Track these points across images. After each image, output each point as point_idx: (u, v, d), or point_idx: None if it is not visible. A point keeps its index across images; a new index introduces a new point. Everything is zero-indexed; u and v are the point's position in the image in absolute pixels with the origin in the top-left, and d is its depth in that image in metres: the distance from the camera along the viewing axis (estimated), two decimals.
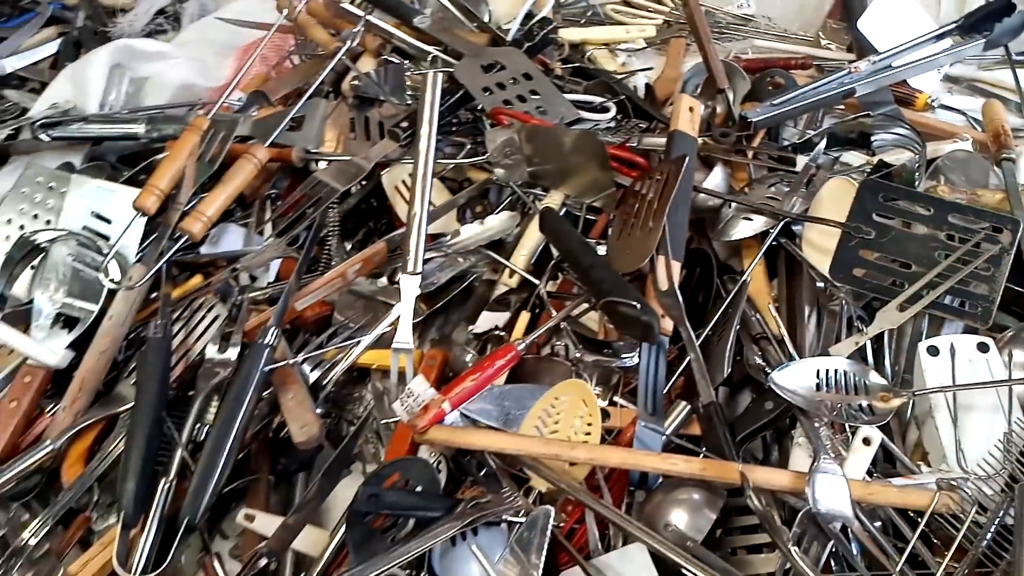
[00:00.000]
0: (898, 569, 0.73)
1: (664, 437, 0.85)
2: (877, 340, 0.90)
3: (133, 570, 0.82)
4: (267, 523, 0.87)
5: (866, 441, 0.79)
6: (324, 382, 1.00)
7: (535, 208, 1.08)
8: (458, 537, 0.82)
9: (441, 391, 0.86)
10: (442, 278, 1.07)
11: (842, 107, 1.19)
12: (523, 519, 0.80)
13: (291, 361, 0.96)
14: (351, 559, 0.80)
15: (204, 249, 1.10)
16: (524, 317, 0.98)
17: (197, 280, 1.07)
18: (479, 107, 1.17)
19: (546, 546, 0.78)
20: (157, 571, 0.82)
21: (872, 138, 1.13)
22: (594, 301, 0.91)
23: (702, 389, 0.87)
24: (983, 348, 0.85)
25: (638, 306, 0.84)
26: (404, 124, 1.14)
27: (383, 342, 1.00)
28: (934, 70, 1.22)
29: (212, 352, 0.99)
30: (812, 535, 0.74)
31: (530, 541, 0.79)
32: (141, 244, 1.06)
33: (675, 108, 1.03)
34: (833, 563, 0.77)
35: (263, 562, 0.81)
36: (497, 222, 1.09)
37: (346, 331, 1.05)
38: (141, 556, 0.83)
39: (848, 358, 0.85)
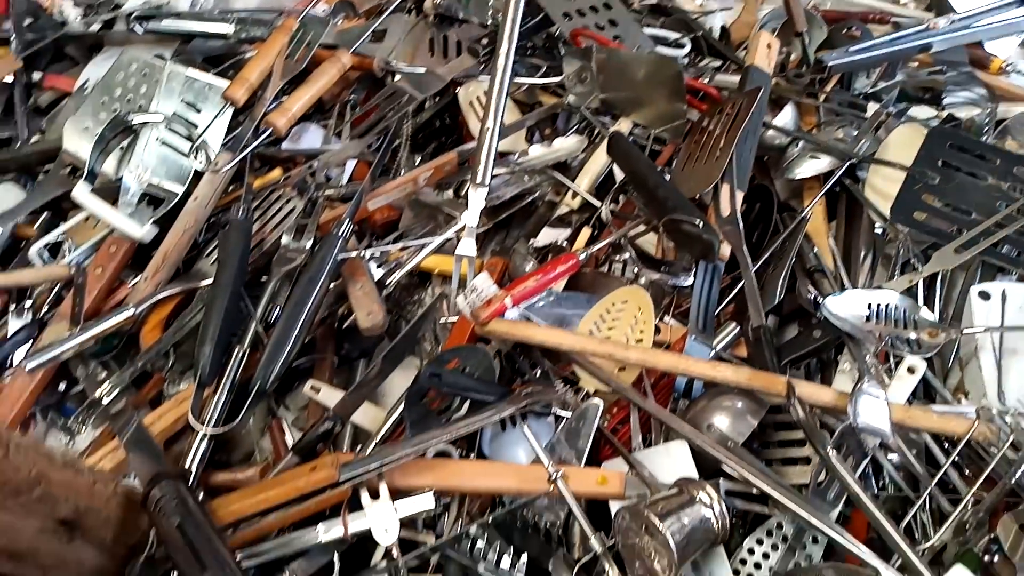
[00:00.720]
0: (928, 490, 0.76)
1: (712, 352, 0.89)
2: (929, 284, 0.92)
3: (205, 423, 0.88)
4: (330, 396, 0.93)
5: (910, 370, 0.82)
6: (388, 281, 1.05)
7: (604, 133, 1.11)
8: (508, 424, 0.88)
9: (503, 289, 0.90)
10: (507, 193, 1.11)
11: (916, 63, 1.19)
12: (570, 413, 0.85)
13: (362, 253, 1.01)
14: (407, 434, 0.86)
15: (285, 145, 1.15)
16: (585, 232, 1.02)
17: (277, 173, 1.12)
18: (557, 32, 1.20)
19: (591, 437, 0.83)
20: (227, 426, 0.89)
21: (943, 95, 1.13)
22: (655, 221, 0.94)
23: (753, 312, 0.90)
24: None
25: (700, 223, 0.87)
26: (483, 42, 1.18)
27: (446, 249, 1.05)
28: (1012, 35, 1.22)
29: (287, 240, 1.04)
30: (849, 450, 0.78)
31: (577, 431, 0.84)
32: (227, 135, 1.12)
33: (752, 44, 1.05)
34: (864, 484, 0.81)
35: (327, 425, 0.87)
36: (565, 145, 1.13)
37: (412, 236, 1.10)
38: (213, 412, 0.90)
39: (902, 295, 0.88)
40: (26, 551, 0.68)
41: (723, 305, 0.95)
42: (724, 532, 0.74)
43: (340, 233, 0.99)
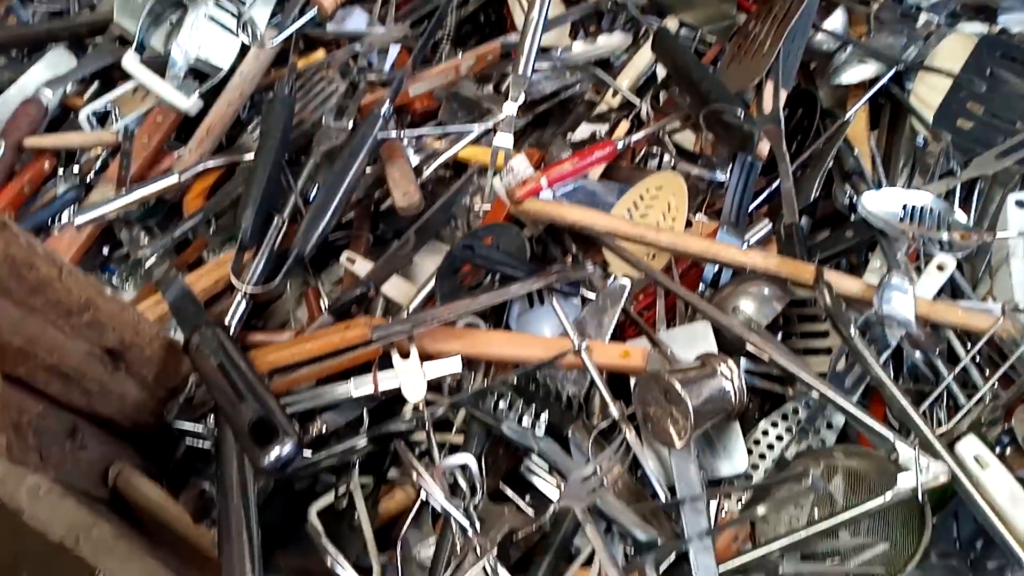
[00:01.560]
0: (947, 382, 0.77)
1: (744, 245, 0.90)
2: (967, 194, 0.92)
3: (246, 282, 0.92)
4: (364, 267, 0.95)
5: (940, 268, 0.82)
6: (424, 169, 1.07)
7: (650, 32, 1.10)
8: (536, 301, 0.90)
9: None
10: (547, 88, 1.11)
11: None
12: (598, 294, 0.87)
13: (401, 134, 1.02)
14: (438, 304, 0.89)
15: (330, 27, 1.16)
16: (624, 124, 1.02)
17: (320, 54, 1.13)
18: None
19: (617, 315, 0.85)
20: (267, 285, 0.92)
21: (998, 12, 1.11)
22: (696, 114, 0.94)
23: (786, 209, 0.91)
24: None
25: (741, 113, 0.87)
26: None
27: (484, 142, 1.06)
28: None
29: (329, 120, 1.06)
30: (872, 337, 0.79)
31: (604, 310, 0.86)
32: (273, 13, 1.13)
33: None
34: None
35: (360, 289, 0.89)
36: (609, 42, 1.12)
37: (451, 125, 1.11)
38: (253, 273, 0.93)
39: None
40: (74, 372, 0.72)
41: (757, 204, 0.96)
42: (741, 405, 0.76)
43: (381, 112, 1.00)
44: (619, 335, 0.88)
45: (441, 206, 0.95)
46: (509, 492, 0.81)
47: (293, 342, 0.85)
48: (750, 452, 0.82)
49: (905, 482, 0.65)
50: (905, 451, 0.65)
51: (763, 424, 0.82)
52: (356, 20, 1.16)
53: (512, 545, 0.81)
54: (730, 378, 0.75)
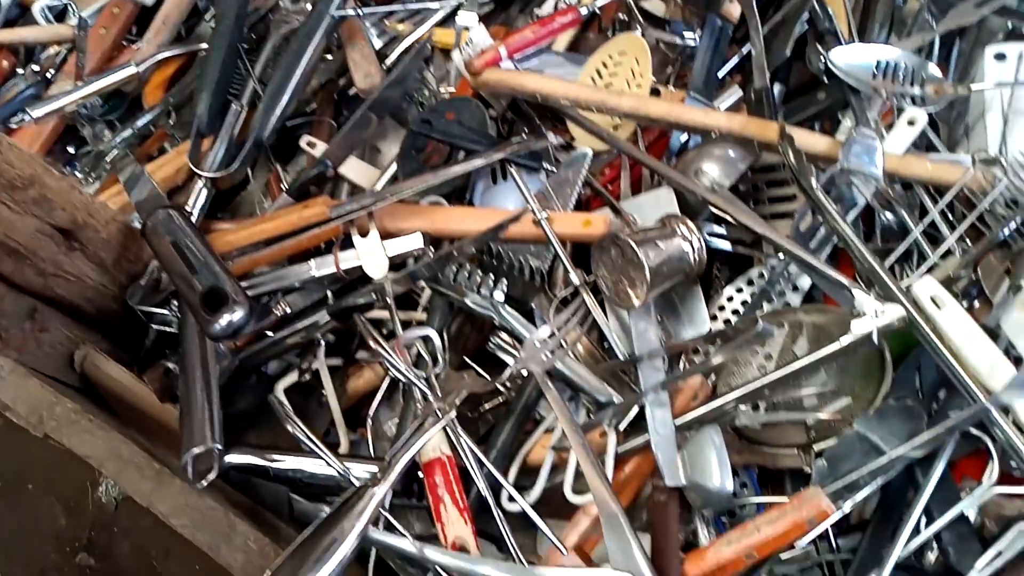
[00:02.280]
0: (915, 234, 0.76)
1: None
2: (947, 51, 0.88)
3: (205, 169, 0.90)
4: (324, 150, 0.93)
5: (910, 122, 0.79)
6: (389, 52, 1.03)
7: None
8: (500, 178, 0.88)
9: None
10: None
11: None
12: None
13: (359, 11, 0.99)
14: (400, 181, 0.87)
15: None
16: None
17: None
18: None
19: (579, 185, 0.83)
20: (226, 170, 0.90)
21: None
22: None
23: (756, 73, 0.88)
24: None
25: None
26: None
27: (451, 23, 1.02)
28: None
29: (285, 3, 1.03)
30: (838, 196, 0.77)
31: (566, 181, 0.84)
32: None
33: None
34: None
35: (316, 170, 0.88)
36: None
37: (415, 4, 1.08)
38: (213, 161, 0.92)
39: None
40: (24, 250, 0.71)
41: (727, 71, 0.93)
42: (700, 266, 0.74)
43: None
44: (586, 209, 0.86)
45: (394, 80, 0.92)
46: (474, 366, 0.82)
47: (252, 222, 0.85)
48: (715, 319, 0.81)
49: (861, 326, 0.64)
50: (861, 297, 0.64)
51: (728, 290, 0.81)
52: None
53: (480, 419, 0.82)
54: (689, 239, 0.74)
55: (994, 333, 0.66)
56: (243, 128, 0.95)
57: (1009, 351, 0.63)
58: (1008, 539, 0.59)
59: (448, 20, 1.04)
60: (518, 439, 0.76)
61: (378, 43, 1.04)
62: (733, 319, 0.80)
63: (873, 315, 0.63)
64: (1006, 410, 0.60)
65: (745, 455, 0.74)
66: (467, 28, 0.95)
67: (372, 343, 0.73)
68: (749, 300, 0.81)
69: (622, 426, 0.72)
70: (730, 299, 0.82)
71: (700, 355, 0.76)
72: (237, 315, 0.68)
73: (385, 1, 1.08)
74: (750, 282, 0.82)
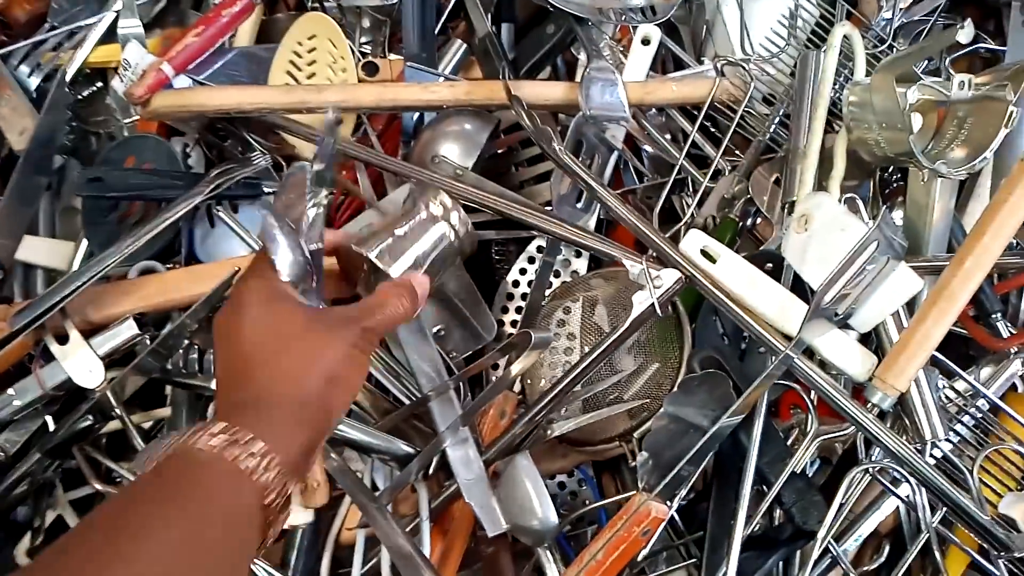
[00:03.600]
0: (679, 164, 0.69)
1: (441, 78, 0.76)
2: None
3: None
4: None
5: (645, 42, 0.71)
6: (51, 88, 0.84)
7: None
8: (216, 218, 0.73)
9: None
10: None
11: None
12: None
13: None
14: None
15: None
16: None
17: None
18: None
19: (312, 203, 0.70)
20: None
21: None
22: None
23: (475, 19, 0.76)
24: None
25: None
26: None
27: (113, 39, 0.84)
28: None
29: None
30: (590, 146, 0.68)
31: (293, 202, 0.70)
32: None
33: None
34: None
35: None
36: None
37: (67, 26, 0.88)
38: None
39: None
40: None
41: (446, 18, 0.81)
42: (471, 242, 0.62)
43: None
44: (341, 219, 0.74)
45: (42, 130, 0.74)
46: None
47: None
48: (505, 310, 0.72)
49: (641, 300, 0.56)
50: (634, 268, 0.56)
51: (513, 273, 0.72)
52: None
53: None
54: (443, 216, 0.61)
55: (779, 259, 0.60)
56: None
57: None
58: (844, 490, 0.55)
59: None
60: (320, 522, 0.65)
61: (35, 83, 0.84)
62: (523, 304, 0.72)
63: (650, 286, 0.55)
64: (810, 353, 0.55)
65: (571, 457, 0.67)
66: (132, 36, 0.78)
67: (99, 485, 0.59)
68: (535, 277, 0.72)
69: (430, 472, 0.62)
70: (516, 283, 0.73)
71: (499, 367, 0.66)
72: None
73: (27, 32, 0.87)
74: (531, 259, 0.73)
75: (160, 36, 0.85)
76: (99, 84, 0.86)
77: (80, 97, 0.85)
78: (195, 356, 0.66)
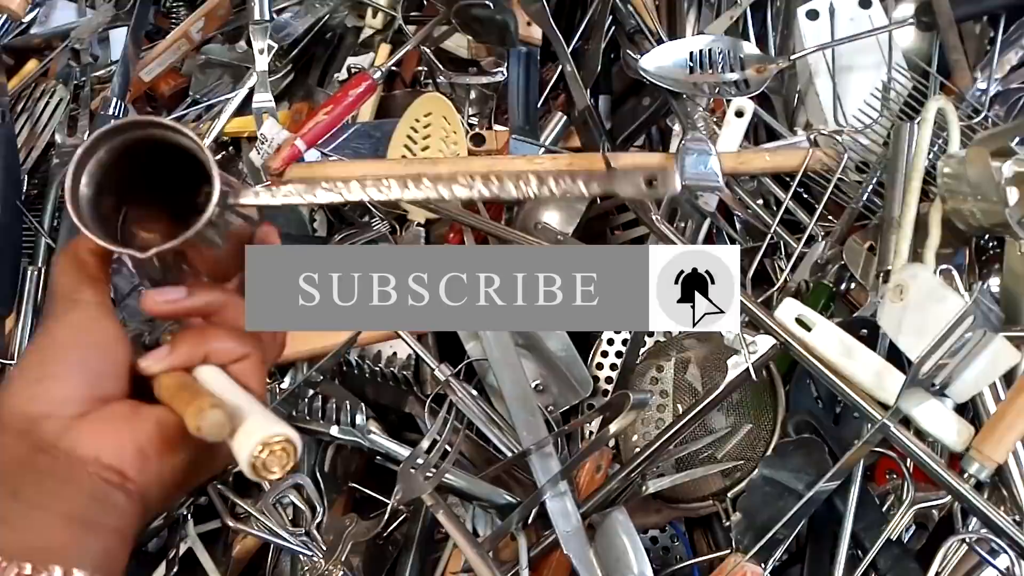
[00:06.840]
0: (772, 229, 0.71)
1: (542, 149, 0.81)
2: (761, 24, 0.84)
3: (15, 357, 0.80)
4: None
5: (738, 113, 0.75)
6: None
7: None
8: None
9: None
10: (299, 28, 0.98)
11: None
12: None
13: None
14: None
15: (35, 29, 0.99)
16: (384, 49, 0.90)
17: (32, 65, 0.97)
18: None
19: None
20: None
21: None
22: (447, 15, 0.83)
23: (575, 93, 0.82)
24: (865, 4, 0.79)
25: (491, 4, 0.76)
26: None
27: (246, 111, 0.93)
28: None
29: (61, 138, 0.92)
30: (684, 213, 0.72)
31: None
32: None
33: None
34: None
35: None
36: None
37: (206, 100, 0.98)
38: (20, 344, 0.81)
39: (726, 35, 0.80)
40: None
41: (547, 92, 0.86)
42: None
43: (111, 112, 0.86)
44: None
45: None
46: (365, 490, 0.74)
47: None
48: (600, 367, 0.76)
49: (735, 365, 0.59)
50: (729, 333, 0.59)
51: (604, 334, 0.76)
52: (63, 13, 1.00)
53: (388, 541, 0.75)
54: None
55: (874, 326, 0.62)
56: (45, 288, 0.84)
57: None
58: (941, 559, 0.55)
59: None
60: (426, 565, 0.69)
61: None
62: (619, 363, 0.75)
63: (744, 352, 0.58)
64: (906, 421, 0.56)
65: (664, 513, 0.69)
66: (265, 110, 0.87)
67: (230, 521, 0.65)
68: (628, 336, 0.76)
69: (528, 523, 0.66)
70: (611, 341, 0.76)
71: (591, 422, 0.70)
72: None
73: (171, 104, 0.98)
74: (610, 341, 0.76)
75: (291, 110, 0.94)
76: (231, 149, 0.97)
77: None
78: (319, 404, 0.71)
